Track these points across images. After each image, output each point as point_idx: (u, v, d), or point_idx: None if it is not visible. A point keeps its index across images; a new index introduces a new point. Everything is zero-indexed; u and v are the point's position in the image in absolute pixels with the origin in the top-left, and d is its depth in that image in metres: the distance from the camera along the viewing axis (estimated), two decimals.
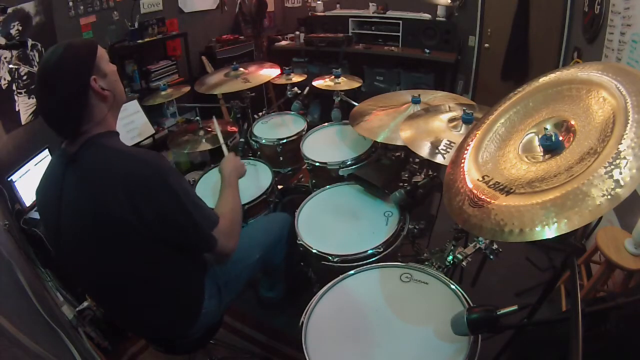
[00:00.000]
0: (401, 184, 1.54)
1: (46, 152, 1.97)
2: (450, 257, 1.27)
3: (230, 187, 1.26)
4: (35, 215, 1.81)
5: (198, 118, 2.11)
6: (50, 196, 0.98)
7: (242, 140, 2.22)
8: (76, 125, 0.92)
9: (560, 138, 0.75)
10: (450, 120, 1.35)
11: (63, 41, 0.92)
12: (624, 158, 0.59)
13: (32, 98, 2.18)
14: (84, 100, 0.90)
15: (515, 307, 0.79)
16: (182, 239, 1.00)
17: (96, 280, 1.04)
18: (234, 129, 2.17)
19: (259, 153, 2.11)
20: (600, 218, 1.47)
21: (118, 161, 0.92)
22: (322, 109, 3.84)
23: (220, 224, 1.05)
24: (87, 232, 0.93)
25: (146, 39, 2.96)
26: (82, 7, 2.59)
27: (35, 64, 2.18)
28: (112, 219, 0.90)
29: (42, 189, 1.02)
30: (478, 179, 0.83)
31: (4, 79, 2.02)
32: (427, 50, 3.60)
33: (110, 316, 1.58)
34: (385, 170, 1.58)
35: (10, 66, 1.97)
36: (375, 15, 3.89)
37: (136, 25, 2.91)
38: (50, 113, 0.91)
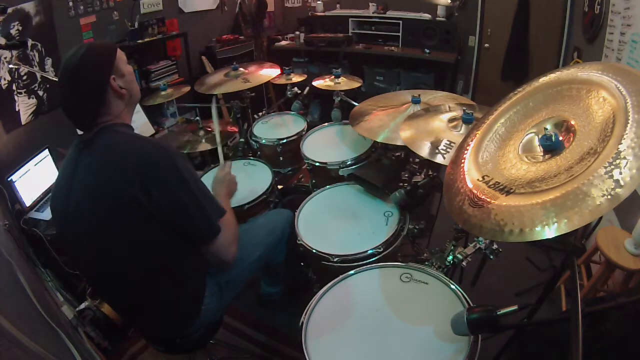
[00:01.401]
0: (401, 184, 1.54)
1: (46, 152, 1.98)
2: (450, 257, 1.27)
3: (226, 203, 1.28)
4: (35, 215, 1.81)
5: (198, 118, 2.11)
6: (64, 179, 1.03)
7: (242, 140, 2.23)
8: (94, 118, 0.99)
9: (560, 138, 0.74)
10: (450, 120, 1.35)
11: (85, 43, 0.96)
12: (624, 158, 0.59)
13: (32, 98, 2.18)
14: (103, 96, 0.98)
15: (515, 307, 0.79)
16: (187, 224, 1.00)
17: (96, 269, 1.06)
18: (234, 129, 2.17)
19: (259, 153, 2.11)
20: (600, 218, 1.47)
21: (130, 144, 0.98)
22: (322, 109, 3.84)
23: (225, 218, 1.07)
24: (93, 211, 0.96)
25: (146, 39, 2.96)
26: (82, 7, 2.59)
27: (36, 64, 2.19)
28: (120, 197, 0.93)
29: (58, 178, 1.07)
30: (478, 179, 0.83)
31: (4, 79, 2.02)
32: (427, 50, 3.60)
33: (113, 308, 1.60)
34: (385, 170, 1.58)
35: (10, 66, 1.97)
36: (375, 15, 3.89)
37: (136, 25, 2.91)
38: (71, 107, 0.98)
